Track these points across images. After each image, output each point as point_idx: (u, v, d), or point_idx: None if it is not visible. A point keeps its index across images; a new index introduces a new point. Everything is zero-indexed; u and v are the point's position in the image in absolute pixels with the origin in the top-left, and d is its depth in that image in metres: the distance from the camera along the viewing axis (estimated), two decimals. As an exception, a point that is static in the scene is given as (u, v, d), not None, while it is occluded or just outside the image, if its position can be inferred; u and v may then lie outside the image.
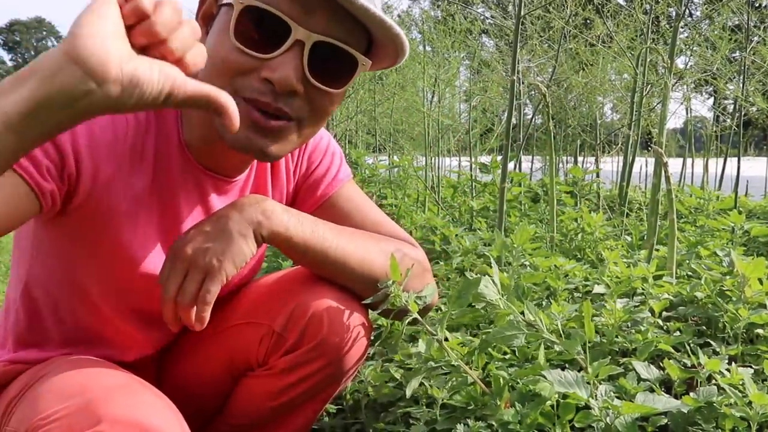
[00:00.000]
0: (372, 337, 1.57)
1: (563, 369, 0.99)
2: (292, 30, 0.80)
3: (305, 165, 1.13)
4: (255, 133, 0.84)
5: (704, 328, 1.46)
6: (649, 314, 1.39)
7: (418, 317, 1.05)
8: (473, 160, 4.00)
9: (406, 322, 1.05)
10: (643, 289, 1.57)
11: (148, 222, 0.95)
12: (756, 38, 3.68)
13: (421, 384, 1.27)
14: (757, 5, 4.43)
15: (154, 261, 0.96)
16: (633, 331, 1.34)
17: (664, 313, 1.48)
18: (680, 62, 4.25)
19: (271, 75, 0.81)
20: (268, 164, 1.08)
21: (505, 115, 3.55)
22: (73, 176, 0.84)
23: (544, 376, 0.96)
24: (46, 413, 0.77)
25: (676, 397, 1.10)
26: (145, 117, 0.91)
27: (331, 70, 0.85)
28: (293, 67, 0.81)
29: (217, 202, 1.01)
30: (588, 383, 0.95)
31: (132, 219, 0.93)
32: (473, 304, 1.20)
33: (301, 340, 1.04)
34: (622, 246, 2.29)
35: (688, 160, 5.06)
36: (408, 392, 1.16)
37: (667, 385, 1.17)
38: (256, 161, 1.04)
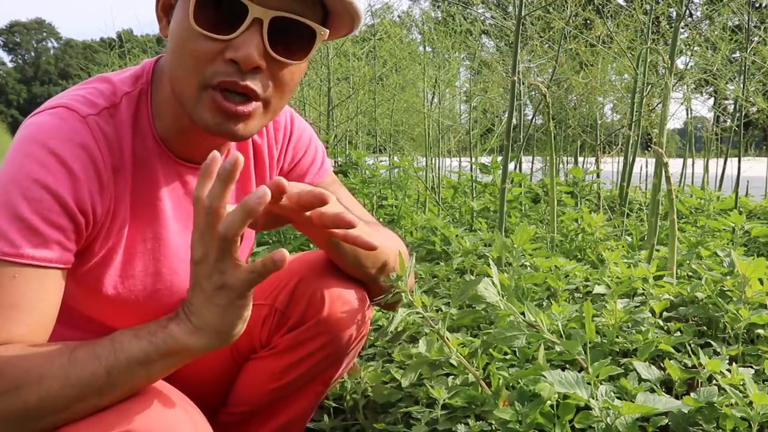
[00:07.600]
0: (371, 337, 1.58)
1: (564, 369, 0.99)
2: (249, 9, 0.82)
3: (291, 154, 1.14)
4: (224, 118, 0.86)
5: (705, 328, 1.46)
6: (650, 315, 1.39)
7: (422, 311, 1.08)
8: (473, 160, 4.00)
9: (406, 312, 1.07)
10: (643, 289, 1.56)
11: (140, 230, 0.95)
12: (756, 38, 3.68)
13: (422, 384, 1.26)
14: (757, 5, 4.43)
15: (153, 267, 0.97)
16: (633, 331, 1.34)
17: (665, 314, 1.48)
18: (680, 62, 4.25)
19: (234, 54, 0.83)
20: (251, 152, 1.08)
21: (506, 115, 3.55)
22: (83, 228, 0.87)
23: (545, 377, 0.96)
24: None
25: (676, 397, 1.09)
26: (116, 129, 0.90)
27: (290, 43, 0.87)
28: (255, 45, 0.83)
29: None
30: (588, 383, 0.95)
31: (129, 231, 0.93)
32: (473, 305, 1.20)
33: (304, 318, 1.07)
34: (623, 246, 2.29)
35: (689, 161, 5.06)
36: (405, 382, 1.17)
37: (667, 386, 1.17)
38: (234, 147, 1.05)
